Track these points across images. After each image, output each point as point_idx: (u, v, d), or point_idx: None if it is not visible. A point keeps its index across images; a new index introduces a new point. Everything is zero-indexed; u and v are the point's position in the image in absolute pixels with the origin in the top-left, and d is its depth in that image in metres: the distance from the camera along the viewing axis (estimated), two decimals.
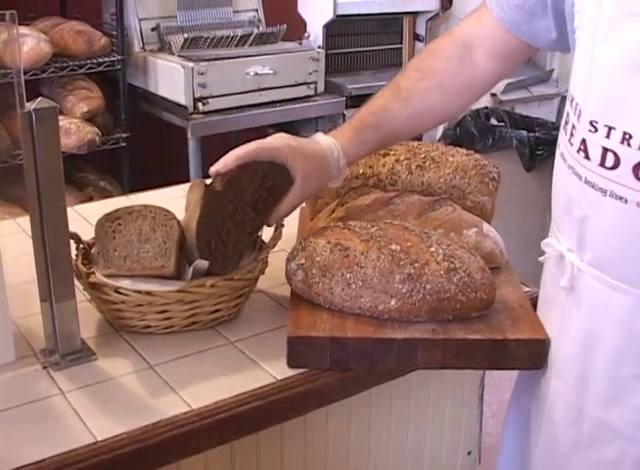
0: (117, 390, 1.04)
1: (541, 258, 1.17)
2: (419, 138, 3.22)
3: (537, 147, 3.16)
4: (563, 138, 1.06)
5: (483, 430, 1.52)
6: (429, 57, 1.32)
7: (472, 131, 3.29)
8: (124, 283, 1.12)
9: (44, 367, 1.09)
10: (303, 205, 1.45)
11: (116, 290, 1.12)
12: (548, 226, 1.18)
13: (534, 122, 3.40)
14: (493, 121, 3.47)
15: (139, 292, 1.11)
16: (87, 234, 1.22)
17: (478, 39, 1.28)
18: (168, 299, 1.11)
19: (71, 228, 1.09)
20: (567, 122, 1.05)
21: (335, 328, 1.10)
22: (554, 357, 1.11)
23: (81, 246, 1.20)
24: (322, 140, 1.26)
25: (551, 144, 3.14)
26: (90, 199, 2.97)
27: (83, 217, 1.55)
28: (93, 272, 1.16)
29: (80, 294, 1.20)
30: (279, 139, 1.22)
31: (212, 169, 1.17)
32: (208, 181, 1.18)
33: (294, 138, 1.24)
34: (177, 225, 1.15)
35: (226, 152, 1.18)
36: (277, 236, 1.24)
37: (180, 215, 1.19)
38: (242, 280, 1.16)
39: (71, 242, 1.11)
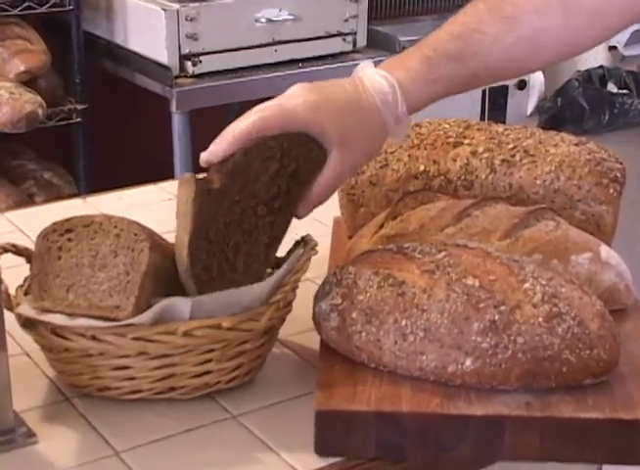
0: None
1: None
2: (503, 119, 3.20)
3: None
4: None
5: None
6: None
7: (579, 102, 3.28)
8: (58, 319, 1.11)
9: None
10: (338, 214, 1.44)
11: (54, 331, 1.12)
12: None
13: None
14: (612, 88, 3.46)
15: (83, 335, 1.10)
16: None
17: None
18: (125, 349, 1.11)
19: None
20: None
21: (384, 399, 1.09)
22: None
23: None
24: (367, 77, 1.22)
25: None
26: (30, 198, 2.98)
27: (20, 230, 1.55)
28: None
29: (15, 344, 1.19)
30: (292, 96, 1.19)
31: (203, 158, 1.16)
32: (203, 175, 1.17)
33: (315, 88, 1.20)
34: (148, 251, 1.12)
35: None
36: (302, 266, 1.20)
37: (162, 231, 1.19)
38: (236, 330, 1.13)
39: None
